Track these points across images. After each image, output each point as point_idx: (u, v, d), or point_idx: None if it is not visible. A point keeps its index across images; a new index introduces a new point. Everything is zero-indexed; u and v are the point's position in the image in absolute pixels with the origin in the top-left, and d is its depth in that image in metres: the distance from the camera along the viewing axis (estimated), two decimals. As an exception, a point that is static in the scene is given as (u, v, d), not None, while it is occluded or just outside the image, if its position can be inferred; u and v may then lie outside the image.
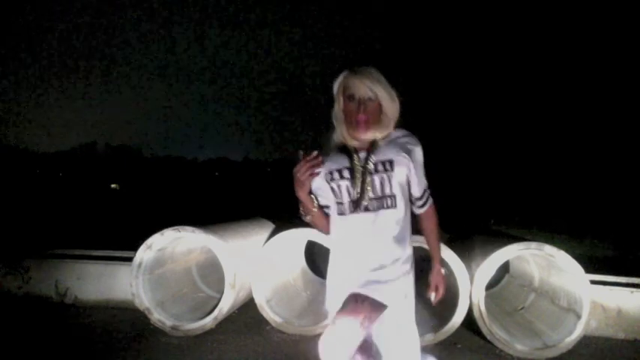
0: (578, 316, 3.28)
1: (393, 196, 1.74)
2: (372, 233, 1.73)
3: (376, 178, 1.73)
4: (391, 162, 1.73)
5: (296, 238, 3.74)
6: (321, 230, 1.91)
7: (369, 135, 1.76)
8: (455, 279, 3.35)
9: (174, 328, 3.51)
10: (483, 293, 3.38)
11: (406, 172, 1.77)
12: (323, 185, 1.79)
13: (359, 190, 1.71)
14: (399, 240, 1.75)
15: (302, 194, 1.76)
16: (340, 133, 1.80)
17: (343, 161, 1.76)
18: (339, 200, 1.77)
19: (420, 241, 2.25)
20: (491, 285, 4.17)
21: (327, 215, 1.87)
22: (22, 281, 4.20)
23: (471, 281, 3.37)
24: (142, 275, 3.55)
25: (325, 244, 3.20)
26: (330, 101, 1.84)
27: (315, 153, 1.66)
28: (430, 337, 3.39)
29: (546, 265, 3.77)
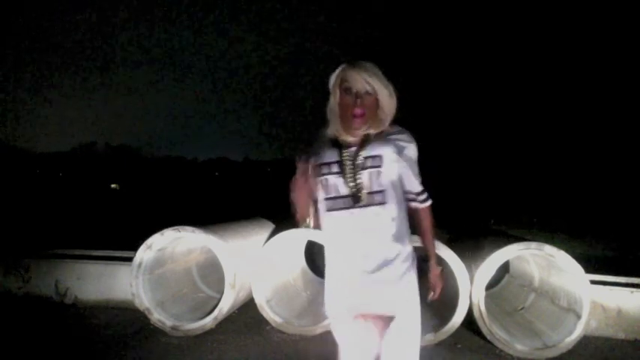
0: (578, 316, 3.28)
1: (382, 192, 1.69)
2: (361, 229, 1.69)
3: (365, 174, 1.69)
4: (380, 157, 1.69)
5: (296, 238, 3.75)
6: (317, 228, 1.86)
7: (363, 129, 1.72)
8: (455, 279, 3.35)
9: (174, 328, 3.50)
10: (483, 293, 3.38)
11: (397, 168, 1.73)
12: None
13: (350, 184, 1.68)
14: (394, 237, 1.70)
15: (301, 201, 1.72)
16: (334, 127, 1.76)
17: (332, 155, 1.72)
18: (327, 195, 1.72)
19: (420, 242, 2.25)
20: (491, 285, 4.17)
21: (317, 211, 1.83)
22: (22, 281, 4.20)
23: (471, 281, 3.37)
24: (142, 275, 3.55)
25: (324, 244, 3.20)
26: (325, 98, 1.79)
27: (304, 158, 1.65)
28: (430, 337, 3.39)
29: (546, 265, 3.77)
